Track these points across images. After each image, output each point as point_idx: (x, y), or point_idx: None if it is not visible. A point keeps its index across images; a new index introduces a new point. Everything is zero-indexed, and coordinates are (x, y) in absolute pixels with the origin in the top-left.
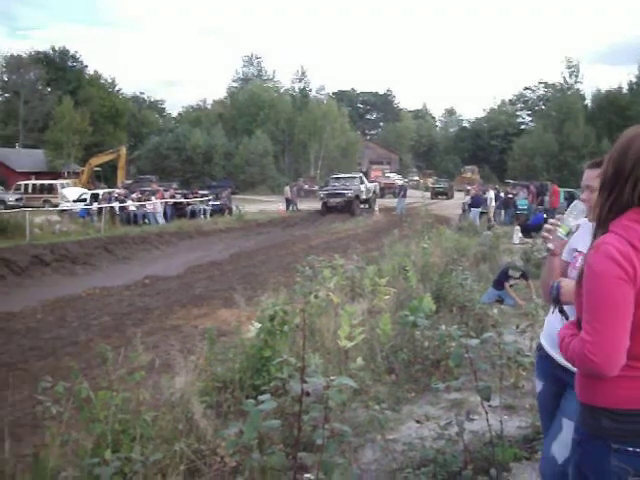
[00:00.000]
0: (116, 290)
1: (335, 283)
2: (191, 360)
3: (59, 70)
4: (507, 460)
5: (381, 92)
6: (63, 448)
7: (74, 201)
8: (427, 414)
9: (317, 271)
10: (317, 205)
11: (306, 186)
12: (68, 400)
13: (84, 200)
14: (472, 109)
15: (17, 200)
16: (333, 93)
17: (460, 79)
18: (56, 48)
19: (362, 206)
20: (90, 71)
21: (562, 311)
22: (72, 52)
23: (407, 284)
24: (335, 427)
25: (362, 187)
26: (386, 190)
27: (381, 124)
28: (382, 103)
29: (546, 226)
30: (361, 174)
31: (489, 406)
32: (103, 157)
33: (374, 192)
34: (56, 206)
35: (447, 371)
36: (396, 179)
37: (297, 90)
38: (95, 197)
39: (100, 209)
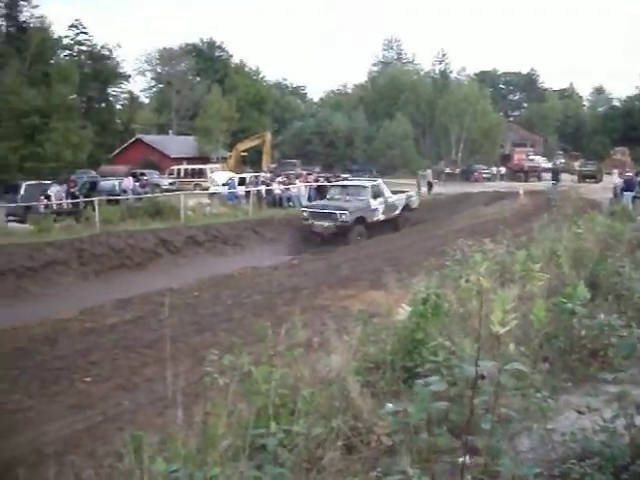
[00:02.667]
0: (265, 270)
1: (486, 268)
2: (345, 340)
3: (207, 60)
4: None
5: (524, 72)
6: (229, 418)
7: (222, 185)
8: (588, 405)
9: (467, 255)
10: (459, 189)
11: (447, 169)
12: (234, 374)
13: (232, 184)
14: (623, 87)
15: (171, 184)
16: (474, 74)
17: (609, 55)
18: (204, 39)
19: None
20: (236, 60)
21: None
22: (219, 42)
23: (558, 270)
24: (502, 412)
25: (375, 203)
26: (530, 174)
27: (524, 105)
28: (525, 83)
29: None
30: (379, 182)
31: None
32: (249, 142)
33: (406, 207)
34: (206, 189)
35: (605, 362)
36: (540, 162)
37: (437, 72)
38: (242, 181)
39: (247, 192)
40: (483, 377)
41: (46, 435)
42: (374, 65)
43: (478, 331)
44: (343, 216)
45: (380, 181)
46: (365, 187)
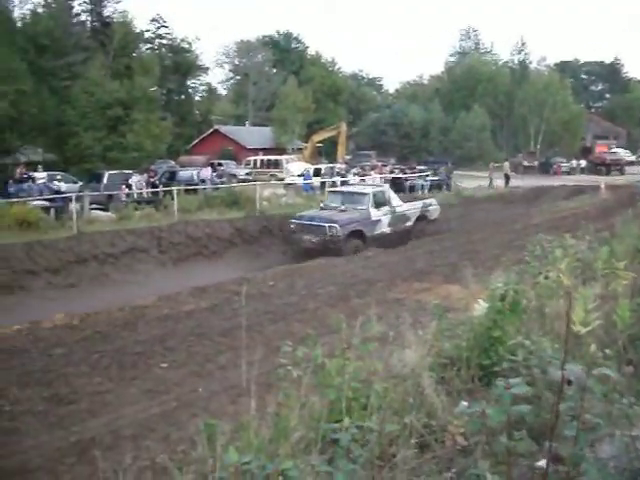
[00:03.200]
0: (340, 262)
1: (566, 264)
2: (419, 334)
3: (284, 52)
4: None
5: (607, 61)
6: (301, 410)
7: (298, 176)
8: None
9: (546, 251)
10: (537, 182)
11: (525, 162)
12: (307, 366)
13: (307, 175)
14: None
15: (247, 174)
16: (555, 64)
17: None
18: (281, 31)
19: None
20: (312, 52)
21: None
22: (295, 34)
23: None
24: (585, 418)
25: (377, 213)
26: (612, 167)
27: (607, 96)
28: (608, 73)
29: None
30: (384, 189)
31: None
32: (324, 133)
33: (421, 217)
34: (281, 180)
35: None
36: (623, 155)
37: (516, 62)
38: (317, 172)
39: (322, 183)
40: (570, 382)
41: (123, 418)
42: (451, 55)
43: (566, 332)
44: (333, 230)
45: (386, 187)
46: (365, 194)
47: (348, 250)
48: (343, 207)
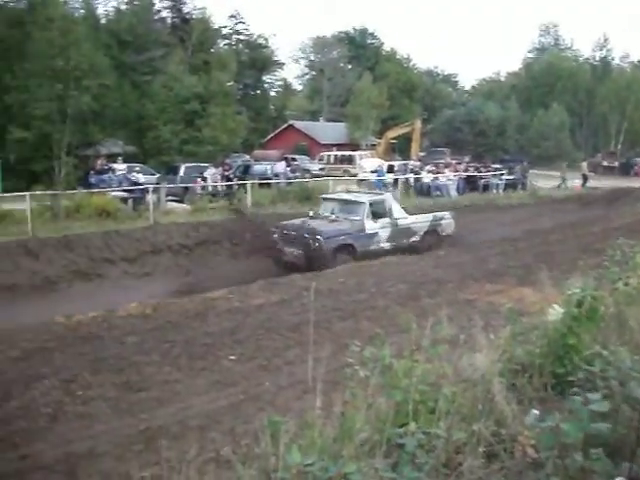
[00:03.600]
0: (411, 260)
1: None
2: (491, 338)
3: (359, 48)
4: None
5: None
6: (367, 411)
7: (371, 172)
8: None
9: (627, 256)
10: (617, 183)
11: (604, 162)
12: (374, 366)
13: (380, 171)
14: None
15: (320, 169)
16: (638, 61)
17: None
18: (357, 27)
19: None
20: (387, 48)
21: None
22: (371, 30)
23: None
24: None
25: (374, 225)
26: None
27: None
28: None
29: None
30: (385, 197)
31: None
32: (398, 130)
33: (431, 232)
34: (354, 176)
35: None
36: None
37: (597, 59)
38: (391, 169)
39: (395, 180)
40: None
41: (191, 408)
42: (529, 52)
43: None
44: (317, 243)
45: (388, 195)
46: (360, 203)
47: (334, 267)
48: (333, 217)
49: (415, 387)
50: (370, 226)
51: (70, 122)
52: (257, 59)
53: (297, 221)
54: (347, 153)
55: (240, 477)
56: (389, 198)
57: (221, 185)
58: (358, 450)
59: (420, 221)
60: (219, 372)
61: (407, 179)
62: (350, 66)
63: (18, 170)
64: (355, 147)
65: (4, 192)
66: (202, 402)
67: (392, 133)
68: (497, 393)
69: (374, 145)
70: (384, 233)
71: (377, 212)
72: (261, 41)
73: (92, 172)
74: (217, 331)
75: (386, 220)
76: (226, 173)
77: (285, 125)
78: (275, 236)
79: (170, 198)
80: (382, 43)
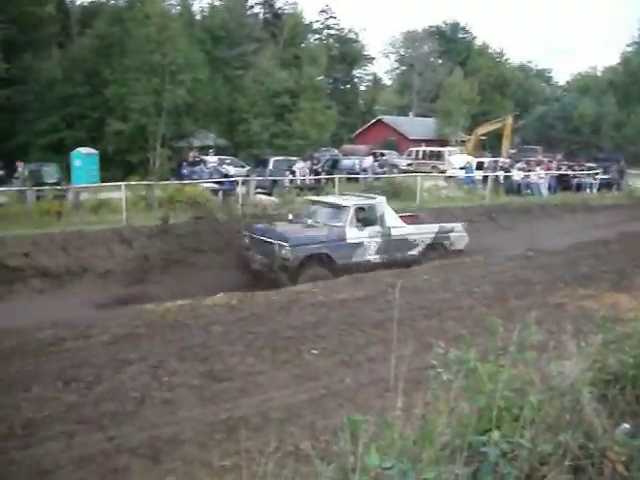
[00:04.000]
0: (498, 260)
1: None
2: (582, 345)
3: (450, 42)
4: None
5: None
6: (450, 415)
7: (460, 168)
8: None
9: None
10: None
11: None
12: (458, 369)
13: (469, 168)
14: None
15: (408, 165)
16: None
17: None
18: (448, 22)
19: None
20: (479, 42)
21: None
22: (462, 24)
23: None
24: None
25: (358, 234)
26: None
27: None
28: None
29: None
30: (376, 202)
31: None
32: (489, 126)
33: (437, 245)
34: (443, 172)
35: None
36: None
37: None
38: (480, 165)
39: (485, 177)
40: None
41: (272, 401)
42: (628, 45)
43: None
44: (282, 250)
45: (381, 200)
46: (343, 208)
47: (304, 280)
48: (310, 222)
49: (500, 393)
50: (353, 235)
51: (165, 115)
52: (347, 53)
53: (267, 225)
54: (436, 149)
55: (318, 473)
56: (382, 203)
57: (309, 179)
58: (438, 454)
59: (421, 232)
60: (301, 366)
61: (497, 176)
62: (441, 61)
63: (115, 161)
64: (444, 143)
65: (102, 182)
66: (283, 395)
67: (482, 129)
68: (586, 404)
69: (463, 141)
70: (372, 244)
71: (365, 219)
72: (351, 35)
73: (184, 164)
74: (300, 324)
75: (376, 229)
76: (314, 167)
77: (374, 120)
78: (246, 240)
79: (259, 191)
80: (474, 37)
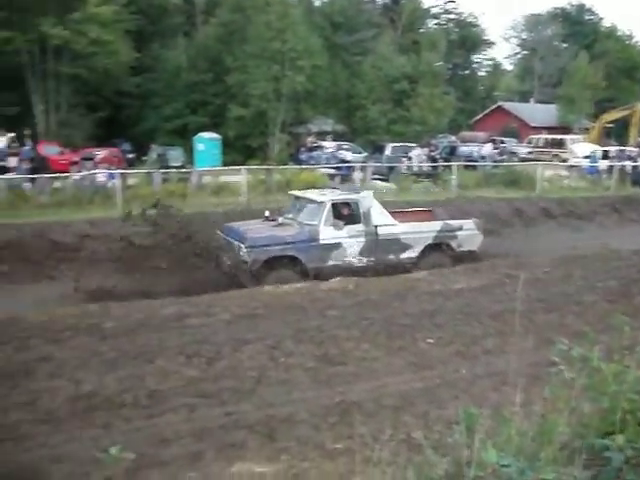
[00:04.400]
0: (625, 253)
1: None
2: None
3: (575, 25)
4: None
5: None
6: (570, 414)
7: (583, 157)
8: None
9: None
10: None
11: None
12: (581, 367)
13: (593, 157)
14: None
15: (528, 153)
16: None
17: None
18: (573, 3)
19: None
20: (606, 24)
21: None
22: (588, 6)
23: None
24: None
25: (335, 234)
26: None
27: None
28: None
29: None
30: (361, 197)
31: None
32: (616, 113)
33: (439, 246)
34: (565, 161)
35: None
36: None
37: None
38: (605, 155)
39: (610, 167)
40: None
41: (386, 387)
42: None
43: None
44: (241, 252)
45: (366, 194)
46: (319, 204)
47: (270, 283)
48: (281, 220)
49: (624, 395)
50: (328, 234)
51: (284, 101)
52: (467, 38)
53: (234, 223)
54: (558, 137)
55: (432, 464)
56: (368, 197)
57: (426, 166)
58: (556, 454)
59: (417, 231)
60: (416, 354)
61: (623, 166)
62: (565, 45)
63: (236, 145)
64: (566, 130)
65: (224, 165)
66: (397, 382)
67: (609, 116)
68: None
69: (587, 129)
70: (354, 244)
71: (345, 216)
72: (471, 20)
73: (302, 149)
74: (416, 312)
75: (358, 227)
76: (432, 154)
77: (494, 106)
78: (221, 240)
79: (376, 177)
80: (601, 19)
